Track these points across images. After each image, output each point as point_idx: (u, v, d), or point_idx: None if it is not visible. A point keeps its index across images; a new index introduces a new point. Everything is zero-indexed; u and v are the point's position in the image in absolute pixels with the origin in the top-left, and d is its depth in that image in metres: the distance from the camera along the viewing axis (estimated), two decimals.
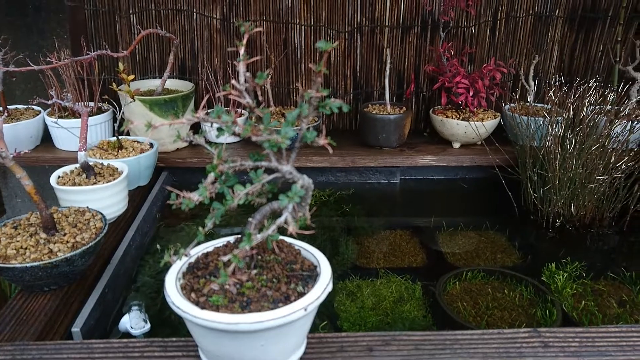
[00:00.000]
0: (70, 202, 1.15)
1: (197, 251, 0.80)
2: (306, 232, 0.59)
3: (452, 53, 1.75)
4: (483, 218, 1.67)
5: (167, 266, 1.13)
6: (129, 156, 1.38)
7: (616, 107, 1.55)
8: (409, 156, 1.72)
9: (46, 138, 1.69)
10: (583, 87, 1.53)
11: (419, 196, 1.83)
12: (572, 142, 1.46)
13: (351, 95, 1.94)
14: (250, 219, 0.72)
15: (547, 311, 1.21)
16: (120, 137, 1.43)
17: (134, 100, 1.34)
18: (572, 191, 1.50)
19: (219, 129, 0.60)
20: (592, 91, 1.52)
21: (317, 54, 1.87)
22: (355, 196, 1.74)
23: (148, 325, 1.02)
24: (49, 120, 1.57)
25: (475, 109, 1.73)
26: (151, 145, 1.48)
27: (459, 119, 1.73)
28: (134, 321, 1.01)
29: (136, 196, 1.43)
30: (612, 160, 1.48)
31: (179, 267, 0.75)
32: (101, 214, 1.04)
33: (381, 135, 1.71)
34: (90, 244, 0.93)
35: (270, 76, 1.76)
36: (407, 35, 1.88)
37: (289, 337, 0.70)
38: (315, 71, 0.55)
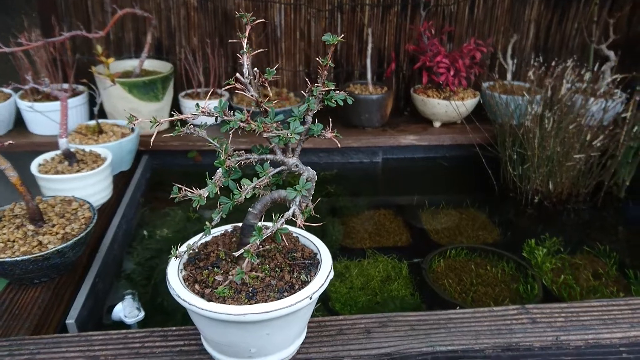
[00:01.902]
0: (53, 191, 1.12)
1: (195, 241, 0.79)
2: (314, 225, 0.60)
3: (433, 32, 1.75)
4: (464, 196, 1.70)
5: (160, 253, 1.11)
6: (110, 141, 1.34)
7: (592, 86, 1.59)
8: (392, 136, 1.74)
9: (18, 122, 1.63)
10: (561, 67, 1.57)
11: (401, 175, 1.85)
12: (550, 121, 1.50)
13: (332, 74, 1.93)
14: (250, 209, 0.72)
15: (529, 286, 1.26)
16: (99, 121, 1.39)
17: (114, 84, 1.30)
18: (550, 169, 1.55)
19: (224, 122, 0.60)
20: (569, 71, 1.55)
21: (298, 32, 1.85)
22: (339, 177, 1.75)
23: (142, 314, 1.01)
24: (23, 104, 1.50)
25: (455, 88, 1.74)
26: (132, 129, 1.44)
27: (439, 98, 1.75)
28: (127, 310, 1.01)
29: (119, 182, 1.40)
30: (587, 138, 1.52)
31: (179, 258, 0.75)
32: (89, 203, 1.02)
33: (364, 116, 1.71)
34: (81, 235, 0.91)
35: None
36: (388, 14, 1.87)
37: (293, 325, 0.71)
38: (322, 65, 0.55)
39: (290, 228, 0.84)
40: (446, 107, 1.73)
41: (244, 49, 0.58)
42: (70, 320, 0.90)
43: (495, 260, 1.38)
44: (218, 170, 0.60)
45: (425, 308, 1.17)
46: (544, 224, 1.55)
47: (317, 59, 0.58)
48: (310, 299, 0.67)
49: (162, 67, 1.69)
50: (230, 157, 0.59)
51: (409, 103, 1.98)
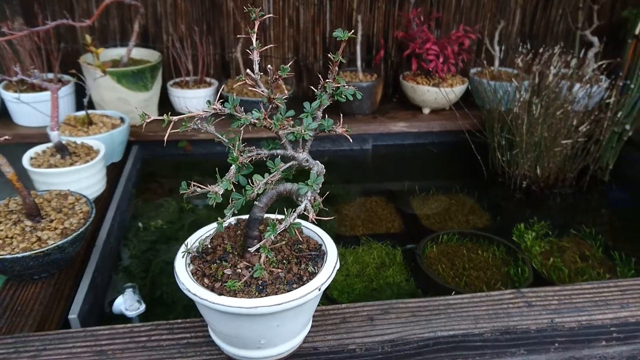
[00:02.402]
0: (47, 185, 1.10)
1: (200, 235, 0.79)
2: (325, 219, 0.61)
3: (422, 19, 1.76)
4: (453, 181, 1.73)
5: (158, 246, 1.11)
6: (100, 132, 1.32)
7: (578, 73, 1.63)
8: (382, 123, 1.75)
9: (1, 113, 1.59)
10: (548, 54, 1.59)
11: (391, 162, 1.87)
12: (537, 108, 1.53)
13: (320, 61, 1.92)
14: (256, 202, 0.72)
15: (519, 269, 1.30)
16: (88, 111, 1.37)
17: (105, 75, 1.28)
18: (538, 154, 1.58)
19: (234, 118, 0.60)
20: (556, 57, 1.58)
21: (287, 19, 1.83)
22: (330, 164, 1.74)
23: (143, 306, 1.02)
24: (8, 96, 1.47)
25: (444, 75, 1.76)
26: (122, 119, 1.42)
27: (429, 85, 1.76)
28: (128, 303, 1.01)
29: (110, 173, 1.38)
30: (574, 123, 1.56)
31: (185, 252, 0.75)
32: (85, 197, 1.01)
33: (354, 103, 1.72)
34: (81, 230, 0.91)
35: (240, 44, 1.71)
36: (377, 0, 1.86)
37: (301, 316, 0.72)
38: (334, 60, 0.55)
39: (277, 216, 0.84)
40: (435, 94, 1.74)
41: (254, 45, 0.58)
42: (72, 316, 0.90)
43: (486, 244, 1.42)
44: (232, 167, 0.60)
45: (421, 294, 1.20)
46: (532, 208, 1.59)
47: (329, 54, 0.58)
48: (319, 290, 0.68)
49: (149, 55, 1.66)
50: (242, 153, 0.59)
51: (397, 89, 1.99)
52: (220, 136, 0.64)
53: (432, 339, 0.85)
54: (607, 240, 1.42)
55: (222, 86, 1.74)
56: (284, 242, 0.76)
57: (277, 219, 0.65)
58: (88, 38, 1.20)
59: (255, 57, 0.58)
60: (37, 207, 0.93)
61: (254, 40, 0.58)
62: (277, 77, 0.56)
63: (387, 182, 1.77)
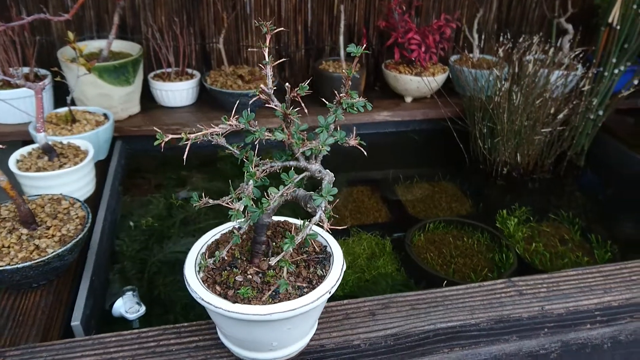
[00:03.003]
0: (36, 189, 1.08)
1: (205, 242, 0.80)
2: (339, 228, 0.63)
3: (404, 9, 1.76)
4: (436, 169, 1.77)
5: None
6: (85, 130, 1.30)
7: (554, 60, 1.67)
8: (366, 112, 1.76)
9: None
10: (527, 43, 1.63)
11: (375, 151, 1.88)
12: (518, 96, 1.57)
13: (303, 51, 1.91)
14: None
15: (504, 255, 1.35)
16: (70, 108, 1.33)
17: (89, 72, 1.24)
18: (518, 142, 1.63)
19: (248, 132, 0.60)
20: (534, 46, 1.62)
21: (268, 9, 1.81)
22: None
23: (143, 308, 1.02)
24: None
25: (427, 64, 1.78)
26: (106, 116, 1.39)
27: (411, 74, 1.78)
28: (128, 305, 1.01)
29: (97, 171, 1.36)
30: (551, 111, 1.61)
31: (194, 259, 0.76)
32: (79, 201, 0.99)
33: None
34: (80, 237, 0.90)
35: (222, 35, 1.68)
36: None
37: (311, 317, 0.75)
38: (347, 75, 0.56)
39: (294, 220, 0.86)
40: (418, 83, 1.77)
41: (266, 59, 0.58)
42: (75, 322, 0.89)
43: (471, 231, 1.46)
44: (249, 182, 0.61)
45: (413, 283, 1.24)
46: (513, 194, 1.64)
47: (343, 70, 0.59)
48: (330, 293, 0.70)
49: (128, 47, 1.62)
50: (257, 167, 0.60)
51: (378, 78, 2.00)
52: (231, 148, 0.64)
53: (431, 331, 0.89)
54: (584, 223, 1.49)
55: (205, 78, 1.72)
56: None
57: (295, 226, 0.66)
58: (70, 35, 1.16)
59: (269, 72, 0.58)
60: (33, 214, 0.91)
61: (266, 54, 0.58)
62: (296, 95, 0.56)
63: (371, 171, 1.79)
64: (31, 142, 1.28)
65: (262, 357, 0.76)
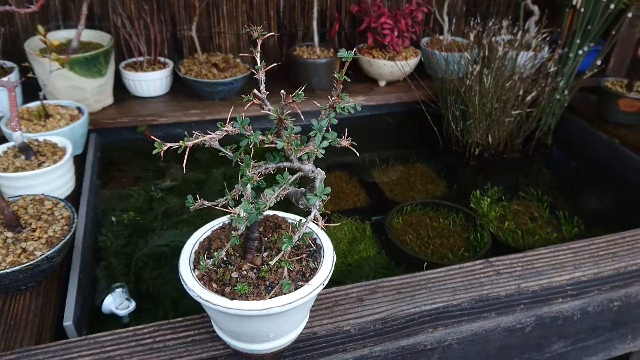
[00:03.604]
0: (14, 189, 1.06)
1: (197, 239, 0.81)
2: (332, 225, 0.65)
3: None
4: (410, 151, 1.81)
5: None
6: (60, 126, 1.27)
7: (522, 42, 1.72)
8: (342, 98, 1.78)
9: None
10: (497, 27, 1.67)
11: (350, 134, 1.91)
12: (488, 79, 1.62)
13: (276, 36, 1.91)
14: None
15: (478, 234, 1.41)
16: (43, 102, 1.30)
17: (63, 67, 1.21)
18: (489, 123, 1.68)
19: (243, 136, 0.61)
20: (504, 30, 1.66)
21: None
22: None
23: (133, 304, 1.03)
24: None
25: (399, 48, 1.80)
26: (79, 109, 1.37)
27: (385, 59, 1.80)
28: (117, 301, 1.02)
29: (74, 167, 1.34)
30: (520, 93, 1.66)
31: (187, 258, 0.77)
32: (63, 201, 0.99)
33: (314, 80, 1.73)
34: (67, 237, 0.90)
35: (195, 23, 1.65)
36: None
37: (306, 308, 0.78)
38: (339, 79, 0.58)
39: (283, 214, 0.88)
40: (391, 68, 1.79)
41: (259, 65, 0.59)
42: (68, 322, 0.90)
43: (446, 212, 1.52)
44: (247, 187, 0.62)
45: (394, 266, 1.28)
46: (485, 175, 1.70)
47: (335, 74, 0.61)
48: (323, 285, 0.73)
49: (97, 37, 1.58)
50: (253, 170, 0.61)
51: (351, 62, 2.01)
52: (224, 150, 0.65)
53: (417, 313, 0.93)
54: (552, 200, 1.56)
55: (179, 67, 1.70)
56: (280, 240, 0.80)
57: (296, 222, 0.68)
58: (41, 29, 1.12)
59: (262, 77, 0.59)
60: (17, 217, 0.90)
61: (257, 58, 0.59)
62: (291, 101, 0.57)
63: (348, 155, 1.81)
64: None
65: (259, 348, 0.79)
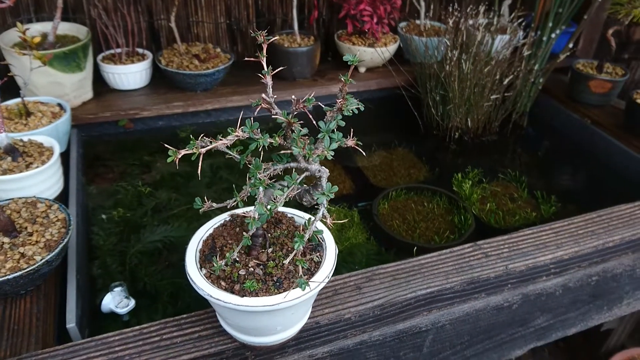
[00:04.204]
0: (3, 192, 1.04)
1: (200, 237, 0.82)
2: (340, 222, 0.67)
3: None
4: (392, 136, 1.84)
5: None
6: (42, 124, 1.24)
7: (497, 26, 1.76)
8: (323, 86, 1.79)
9: None
10: (474, 12, 1.70)
11: None
12: (467, 64, 1.65)
13: (254, 24, 1.89)
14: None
15: (462, 217, 1.46)
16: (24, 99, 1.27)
17: (45, 65, 1.18)
18: (468, 108, 1.73)
19: (253, 140, 0.62)
20: (481, 15, 1.69)
21: None
22: (276, 129, 1.79)
23: (132, 302, 1.04)
24: None
25: (379, 34, 1.81)
26: (61, 106, 1.34)
27: (364, 45, 1.82)
28: (117, 300, 1.03)
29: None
30: (497, 77, 1.71)
31: (193, 257, 0.78)
32: (56, 202, 0.98)
33: (295, 68, 1.74)
34: (66, 240, 0.89)
35: (174, 13, 1.63)
36: None
37: (311, 300, 0.80)
38: (345, 82, 0.59)
39: (282, 209, 0.90)
40: (372, 54, 1.81)
41: (265, 70, 0.60)
42: (71, 325, 0.90)
43: (430, 196, 1.56)
44: (260, 190, 0.63)
45: (384, 251, 1.32)
46: (465, 158, 1.75)
47: (341, 76, 0.62)
48: (328, 278, 0.76)
49: (73, 30, 1.54)
50: (263, 172, 0.63)
51: (330, 48, 2.02)
52: (231, 152, 0.66)
53: (413, 298, 0.97)
54: (529, 180, 1.62)
55: (159, 58, 1.67)
56: (283, 235, 0.82)
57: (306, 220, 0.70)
58: (20, 25, 1.09)
59: (269, 81, 0.60)
60: (12, 222, 0.89)
61: (264, 63, 0.60)
62: (302, 106, 0.59)
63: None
64: None
65: (267, 340, 0.82)
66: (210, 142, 0.62)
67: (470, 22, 1.68)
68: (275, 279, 0.74)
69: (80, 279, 1.04)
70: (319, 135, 0.64)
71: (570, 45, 1.77)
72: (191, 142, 0.65)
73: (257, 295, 0.72)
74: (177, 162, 0.58)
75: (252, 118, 0.65)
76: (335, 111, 0.61)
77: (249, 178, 0.65)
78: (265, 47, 0.61)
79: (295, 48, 1.71)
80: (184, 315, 0.89)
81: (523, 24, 1.82)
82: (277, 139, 0.61)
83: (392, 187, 1.57)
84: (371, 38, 1.82)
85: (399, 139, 1.81)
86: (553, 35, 1.78)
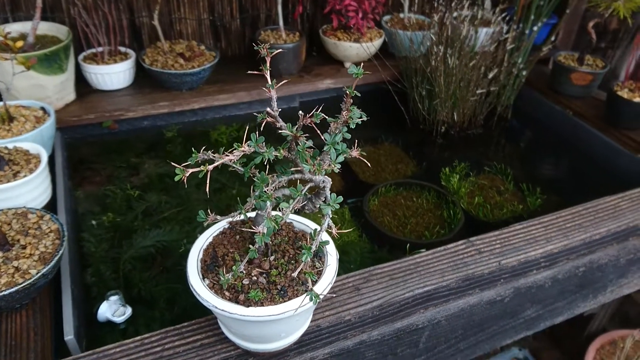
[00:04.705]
0: None
1: (200, 246, 0.82)
2: (345, 231, 0.68)
3: None
4: (379, 132, 1.85)
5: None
6: (26, 129, 1.21)
7: (481, 19, 1.78)
8: (309, 82, 1.78)
9: None
10: (459, 5, 1.71)
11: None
12: (452, 59, 1.66)
13: (238, 20, 1.86)
14: (260, 212, 0.76)
15: (451, 211, 1.48)
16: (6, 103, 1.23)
17: (28, 70, 1.14)
18: (454, 102, 1.74)
19: (257, 153, 0.62)
20: (465, 10, 1.71)
21: None
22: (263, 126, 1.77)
23: (129, 309, 1.03)
24: None
25: (364, 29, 1.81)
26: (44, 110, 1.30)
27: (350, 40, 1.81)
28: (113, 308, 1.02)
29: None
30: (482, 70, 1.73)
31: (195, 268, 0.78)
32: (48, 213, 0.96)
33: (282, 65, 1.72)
34: (61, 252, 0.88)
35: (157, 11, 1.59)
36: None
37: (314, 307, 0.81)
38: (349, 95, 0.59)
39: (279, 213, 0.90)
40: (357, 50, 1.80)
41: (270, 83, 0.60)
42: (69, 337, 0.89)
43: (419, 191, 1.58)
44: (268, 204, 0.63)
45: (377, 249, 1.33)
46: (452, 151, 1.77)
47: (345, 89, 0.62)
48: (331, 284, 0.76)
49: (53, 29, 1.49)
50: (269, 185, 0.63)
51: (314, 42, 2.01)
52: (235, 166, 0.66)
53: (411, 297, 0.99)
54: (515, 173, 1.65)
55: (142, 57, 1.64)
56: (284, 242, 0.82)
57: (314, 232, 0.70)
58: (1, 30, 1.06)
59: (274, 95, 0.60)
60: (4, 234, 0.87)
61: (267, 75, 0.60)
62: (309, 121, 0.59)
63: (317, 137, 1.83)
64: None
65: (270, 347, 0.82)
66: (213, 154, 0.62)
67: (455, 14, 1.69)
68: (279, 287, 0.74)
69: (75, 288, 1.03)
70: (324, 148, 0.64)
71: (553, 38, 1.80)
72: (193, 155, 0.65)
73: (262, 304, 0.72)
74: (184, 180, 0.57)
75: (258, 116, 0.64)
76: (340, 123, 0.61)
77: (253, 190, 0.65)
78: (268, 60, 0.60)
79: (281, 44, 1.70)
80: (185, 324, 0.89)
81: (506, 17, 1.84)
82: (281, 151, 0.61)
83: (381, 183, 1.58)
84: (356, 33, 1.82)
85: (386, 134, 1.82)
86: (535, 28, 1.80)
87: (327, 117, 0.62)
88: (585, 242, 1.17)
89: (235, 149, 0.59)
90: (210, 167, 0.58)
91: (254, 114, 1.78)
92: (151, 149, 1.58)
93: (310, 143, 0.64)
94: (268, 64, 0.60)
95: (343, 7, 1.72)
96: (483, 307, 1.08)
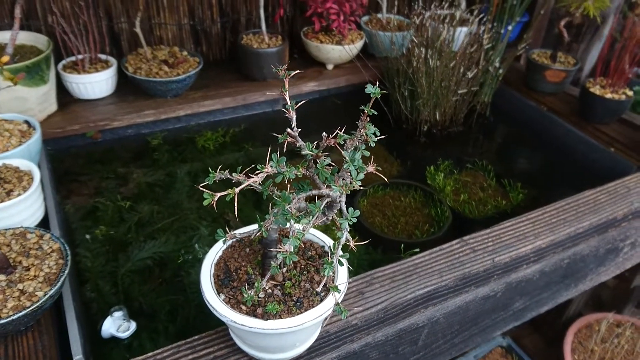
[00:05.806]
0: None
1: (211, 261, 0.83)
2: (362, 243, 0.70)
3: None
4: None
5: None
6: (12, 145, 1.18)
7: (459, 19, 1.82)
8: (294, 85, 1.79)
9: None
10: (438, 7, 1.75)
11: (303, 118, 1.92)
12: (433, 60, 1.70)
13: (219, 24, 1.85)
14: (274, 226, 0.78)
15: (439, 209, 1.52)
16: None
17: (15, 85, 1.11)
18: (436, 101, 1.78)
19: (280, 173, 0.63)
20: (445, 11, 1.74)
21: None
22: (248, 131, 1.78)
23: (134, 324, 1.02)
24: None
25: (345, 32, 1.83)
26: (28, 123, 1.27)
27: (332, 43, 1.83)
28: (117, 324, 1.01)
29: None
30: (461, 70, 1.77)
31: (209, 283, 0.79)
32: (48, 232, 0.94)
33: (266, 69, 1.73)
34: (66, 272, 0.87)
35: (139, 17, 1.57)
36: None
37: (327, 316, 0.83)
38: (366, 112, 0.61)
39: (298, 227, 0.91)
40: (340, 52, 1.82)
41: (289, 104, 0.61)
42: (78, 357, 0.88)
43: (406, 190, 1.61)
44: (292, 223, 0.64)
45: (372, 250, 1.36)
46: (435, 150, 1.82)
47: (362, 108, 0.64)
48: (344, 292, 0.79)
49: (31, 39, 1.45)
50: (291, 204, 0.64)
51: (295, 45, 2.02)
52: (253, 184, 0.67)
53: (412, 298, 1.02)
54: (496, 169, 1.71)
55: (125, 65, 1.61)
56: (296, 252, 0.84)
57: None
58: None
59: (293, 115, 0.61)
60: (6, 257, 0.86)
61: (287, 97, 0.61)
62: (332, 142, 0.60)
63: (303, 139, 1.85)
64: None
65: (285, 356, 0.84)
66: (232, 175, 0.63)
67: (430, 13, 1.72)
68: (295, 299, 0.76)
69: (76, 306, 1.02)
70: (344, 166, 0.65)
71: (527, 37, 1.86)
72: (211, 175, 0.65)
73: (280, 317, 0.74)
74: (214, 204, 0.58)
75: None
76: (360, 141, 0.63)
77: (272, 207, 0.66)
78: (287, 81, 0.61)
79: (265, 49, 1.70)
80: (196, 337, 0.89)
81: (481, 16, 1.89)
82: (301, 170, 0.62)
83: (369, 184, 1.61)
84: (338, 35, 1.84)
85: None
86: (510, 27, 1.86)
87: (344, 135, 0.64)
88: (570, 236, 1.23)
89: (259, 172, 0.60)
90: (237, 190, 0.59)
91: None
92: (137, 158, 1.56)
93: (328, 160, 0.66)
94: (286, 83, 0.61)
95: (324, 10, 1.73)
96: (477, 302, 1.13)
